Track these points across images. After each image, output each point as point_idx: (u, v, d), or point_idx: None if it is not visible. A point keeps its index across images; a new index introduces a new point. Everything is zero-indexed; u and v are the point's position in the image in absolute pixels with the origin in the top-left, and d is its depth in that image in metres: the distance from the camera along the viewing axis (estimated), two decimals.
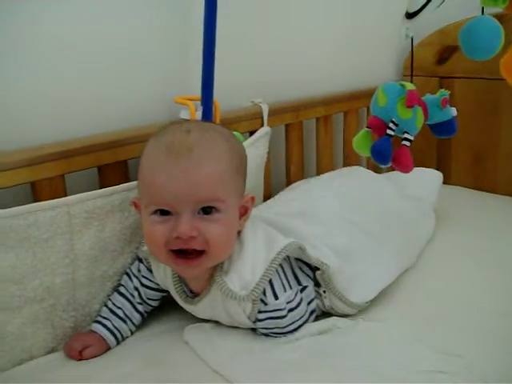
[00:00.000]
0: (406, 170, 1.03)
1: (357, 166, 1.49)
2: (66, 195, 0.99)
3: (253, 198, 0.97)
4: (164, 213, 0.87)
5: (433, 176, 1.48)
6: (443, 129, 1.13)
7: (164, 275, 0.99)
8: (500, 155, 1.66)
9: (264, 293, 0.93)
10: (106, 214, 0.99)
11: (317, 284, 1.01)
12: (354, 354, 0.91)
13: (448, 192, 1.64)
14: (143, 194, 0.91)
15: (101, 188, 1.02)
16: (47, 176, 0.98)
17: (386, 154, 1.02)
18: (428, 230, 1.32)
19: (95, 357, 0.95)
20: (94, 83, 1.10)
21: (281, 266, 0.95)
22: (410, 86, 1.03)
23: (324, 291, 1.01)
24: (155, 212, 0.88)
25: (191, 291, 0.99)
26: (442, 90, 1.09)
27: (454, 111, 1.10)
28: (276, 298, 0.94)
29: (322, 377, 0.85)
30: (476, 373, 0.86)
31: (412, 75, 1.19)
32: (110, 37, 1.11)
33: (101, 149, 1.04)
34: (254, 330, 0.99)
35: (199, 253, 0.88)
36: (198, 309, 0.98)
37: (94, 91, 1.10)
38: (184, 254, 0.88)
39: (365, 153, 1.09)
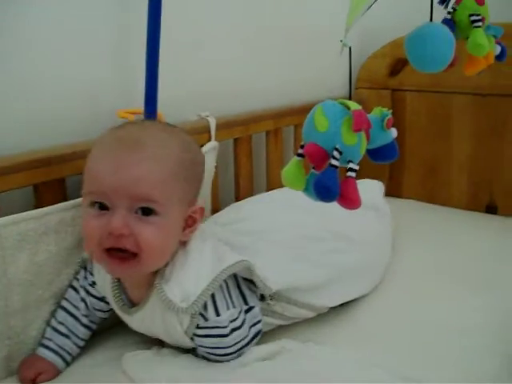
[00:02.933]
0: (353, 205, 0.88)
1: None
2: None
3: (202, 209, 0.93)
4: (102, 207, 0.85)
5: (374, 186, 1.44)
6: (385, 153, 0.97)
7: (103, 280, 0.96)
8: (453, 168, 1.66)
9: (205, 307, 0.90)
10: (39, 236, 0.93)
11: (261, 297, 0.99)
12: (303, 381, 0.87)
13: (401, 205, 1.64)
14: (84, 182, 0.88)
15: (37, 207, 0.96)
16: None
17: (334, 190, 0.86)
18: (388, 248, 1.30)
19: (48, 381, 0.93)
20: (28, 95, 1.04)
21: (226, 282, 0.93)
22: (354, 106, 0.89)
23: (271, 299, 0.98)
24: (93, 205, 0.85)
25: (130, 301, 0.95)
26: (381, 108, 0.95)
27: (395, 133, 0.96)
28: (218, 314, 0.91)
29: None
30: None
31: (351, 88, 1.09)
32: (46, 44, 1.05)
33: (36, 166, 0.98)
34: (197, 355, 0.95)
35: (131, 255, 0.84)
36: (135, 320, 0.95)
37: (27, 104, 1.04)
38: (118, 254, 0.85)
39: (298, 187, 0.93)
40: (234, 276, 0.95)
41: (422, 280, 1.21)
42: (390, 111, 0.93)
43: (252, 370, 0.91)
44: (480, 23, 1.08)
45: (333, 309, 1.08)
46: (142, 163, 0.84)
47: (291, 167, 0.90)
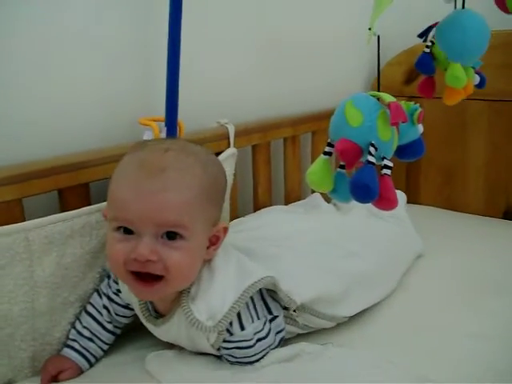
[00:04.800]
0: (390, 206, 0.81)
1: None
2: (24, 220, 0.95)
3: (225, 228, 0.93)
4: (127, 231, 0.84)
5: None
6: (413, 150, 0.92)
7: (129, 291, 0.96)
8: (469, 174, 1.66)
9: (230, 323, 0.90)
10: (66, 239, 0.95)
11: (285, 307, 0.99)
12: (324, 382, 0.88)
13: (418, 212, 1.63)
14: (109, 207, 0.89)
15: (62, 212, 0.98)
16: (4, 200, 0.94)
17: (374, 188, 0.79)
18: (411, 251, 1.31)
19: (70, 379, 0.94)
20: (53, 103, 1.07)
21: (251, 296, 0.92)
22: (389, 98, 0.82)
23: (294, 311, 0.98)
24: (118, 229, 0.85)
25: (155, 310, 0.96)
26: (406, 102, 0.89)
27: (421, 128, 0.91)
28: (242, 328, 0.91)
29: None
30: None
31: (379, 75, 1.03)
32: (69, 53, 1.08)
33: (60, 171, 1.00)
34: (218, 356, 0.96)
35: (157, 278, 0.85)
36: (161, 330, 0.95)
37: (52, 111, 1.07)
38: (143, 276, 0.85)
39: (326, 188, 0.86)
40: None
41: (439, 285, 1.21)
42: (418, 105, 0.87)
43: (271, 371, 0.91)
44: None
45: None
46: (166, 190, 0.83)
47: (317, 167, 0.85)
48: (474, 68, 1.16)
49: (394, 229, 1.31)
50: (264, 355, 0.94)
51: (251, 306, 0.93)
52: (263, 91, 1.47)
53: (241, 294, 0.90)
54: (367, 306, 1.10)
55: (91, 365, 0.98)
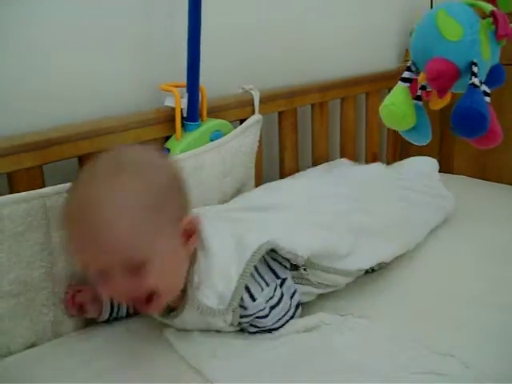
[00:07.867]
0: (496, 140, 0.66)
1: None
2: (43, 186, 0.96)
3: (195, 218, 0.88)
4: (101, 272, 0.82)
5: (428, 163, 1.43)
6: (496, 75, 0.75)
7: None
8: (505, 143, 1.60)
9: (241, 298, 0.89)
10: None
11: (294, 267, 0.97)
12: (342, 353, 0.88)
13: (451, 181, 1.59)
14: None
15: None
16: (24, 166, 0.95)
17: (488, 117, 0.63)
18: (434, 216, 1.28)
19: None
20: (74, 69, 1.06)
21: (255, 266, 0.90)
22: (490, 7, 0.65)
23: (304, 269, 0.97)
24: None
25: (167, 306, 0.94)
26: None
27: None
28: (253, 299, 0.90)
29: (304, 377, 0.82)
30: (470, 373, 0.82)
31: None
32: (88, 19, 1.06)
33: (81, 138, 1.00)
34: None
35: (149, 296, 0.83)
36: (176, 323, 0.94)
37: (73, 78, 1.06)
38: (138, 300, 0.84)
39: (409, 123, 0.69)
40: None
41: (465, 254, 1.18)
42: None
43: (288, 341, 0.91)
44: None
45: (374, 281, 1.07)
46: (106, 231, 0.78)
47: (398, 97, 0.68)
48: None
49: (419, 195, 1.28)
50: (283, 324, 0.93)
51: (257, 276, 0.92)
52: (291, 55, 1.43)
53: (243, 269, 0.88)
54: (382, 259, 1.07)
55: (110, 316, 0.99)
